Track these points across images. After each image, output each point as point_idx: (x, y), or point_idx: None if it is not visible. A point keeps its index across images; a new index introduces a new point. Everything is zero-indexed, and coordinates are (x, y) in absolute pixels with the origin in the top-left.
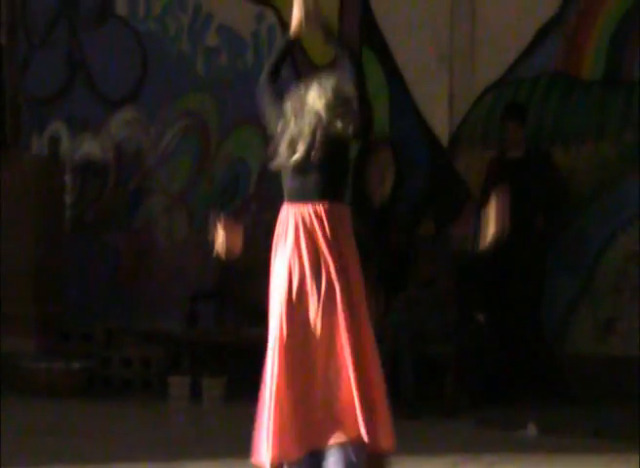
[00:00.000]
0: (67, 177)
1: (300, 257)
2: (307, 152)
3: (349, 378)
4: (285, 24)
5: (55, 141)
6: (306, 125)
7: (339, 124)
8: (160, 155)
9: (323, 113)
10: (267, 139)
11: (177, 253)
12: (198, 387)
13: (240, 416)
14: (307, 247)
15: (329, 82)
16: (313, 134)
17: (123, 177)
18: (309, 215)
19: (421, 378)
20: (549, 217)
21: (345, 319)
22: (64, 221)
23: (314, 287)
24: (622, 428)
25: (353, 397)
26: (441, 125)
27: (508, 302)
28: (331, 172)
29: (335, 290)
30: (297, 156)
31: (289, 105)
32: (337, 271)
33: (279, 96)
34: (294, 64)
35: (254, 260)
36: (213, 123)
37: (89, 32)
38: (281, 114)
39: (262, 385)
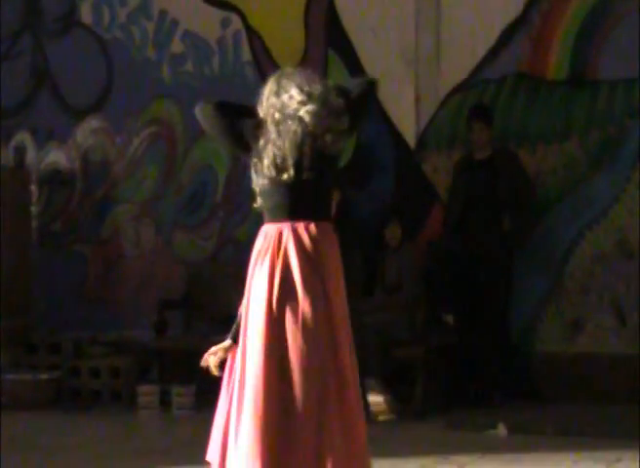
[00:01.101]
0: (33, 188)
1: (290, 274)
2: (297, 168)
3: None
4: (251, 30)
5: (20, 152)
6: (291, 136)
7: (328, 138)
8: (127, 164)
9: (309, 122)
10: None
11: (144, 262)
12: (168, 396)
13: (210, 424)
14: (300, 265)
15: (313, 87)
16: (301, 147)
17: (90, 187)
18: (302, 234)
19: (391, 382)
20: (516, 218)
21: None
22: (31, 232)
23: (306, 305)
24: (591, 426)
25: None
26: (408, 127)
27: (476, 303)
28: (320, 189)
29: (332, 309)
30: (289, 173)
31: (266, 112)
32: (330, 291)
33: (240, 111)
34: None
35: (221, 268)
36: (179, 130)
37: (54, 41)
38: (254, 124)
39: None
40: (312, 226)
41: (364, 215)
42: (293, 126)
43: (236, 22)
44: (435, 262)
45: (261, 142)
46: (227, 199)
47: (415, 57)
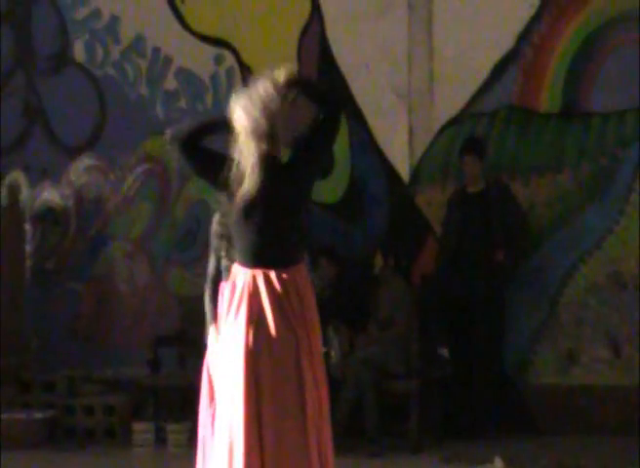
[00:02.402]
0: (27, 226)
1: (265, 322)
2: (266, 204)
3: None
4: (244, 66)
5: (14, 190)
6: (250, 164)
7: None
8: (120, 201)
9: (250, 130)
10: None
11: (138, 299)
12: (163, 433)
13: None
14: (273, 316)
15: (263, 96)
16: (261, 176)
17: (83, 224)
18: (274, 283)
19: (386, 415)
20: (510, 251)
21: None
22: (25, 270)
23: (281, 357)
24: (587, 459)
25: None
26: (401, 161)
27: (470, 336)
28: (292, 228)
29: (303, 360)
30: (258, 210)
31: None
32: (303, 339)
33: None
34: None
35: None
36: (173, 167)
37: (46, 79)
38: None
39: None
40: (284, 275)
41: (357, 248)
42: (250, 150)
43: (229, 59)
44: (429, 295)
45: (233, 172)
46: None
47: (407, 91)
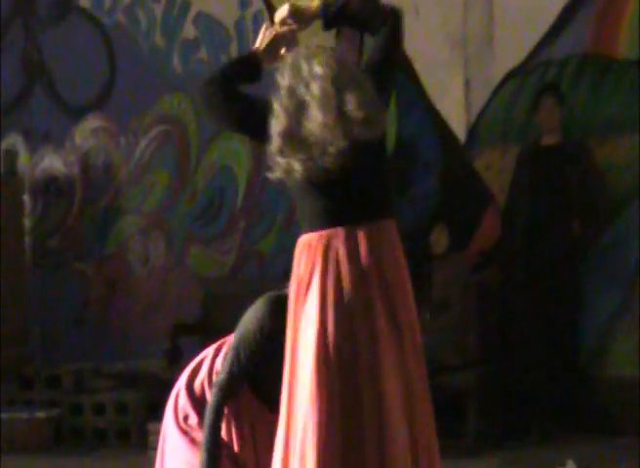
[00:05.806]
0: (26, 198)
1: (345, 298)
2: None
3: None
4: (273, 10)
5: (11, 156)
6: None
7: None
8: (133, 169)
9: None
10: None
11: (154, 281)
12: None
13: None
14: (356, 287)
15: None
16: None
17: (91, 196)
18: (359, 244)
19: (439, 414)
20: (586, 220)
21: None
22: (25, 249)
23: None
24: None
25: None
26: (456, 119)
27: (538, 323)
28: (369, 181)
29: (403, 336)
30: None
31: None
32: (400, 314)
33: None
34: None
35: (243, 286)
36: (192, 129)
37: (48, 30)
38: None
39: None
40: (374, 230)
41: (406, 222)
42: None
43: (256, 2)
44: (490, 274)
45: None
46: (249, 206)
47: (463, 38)
